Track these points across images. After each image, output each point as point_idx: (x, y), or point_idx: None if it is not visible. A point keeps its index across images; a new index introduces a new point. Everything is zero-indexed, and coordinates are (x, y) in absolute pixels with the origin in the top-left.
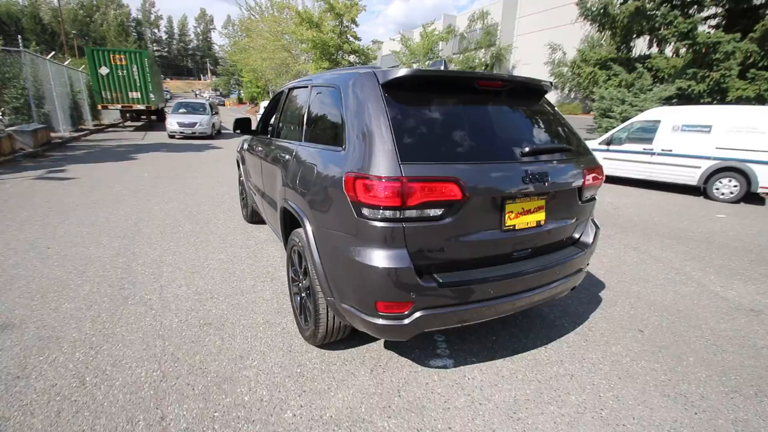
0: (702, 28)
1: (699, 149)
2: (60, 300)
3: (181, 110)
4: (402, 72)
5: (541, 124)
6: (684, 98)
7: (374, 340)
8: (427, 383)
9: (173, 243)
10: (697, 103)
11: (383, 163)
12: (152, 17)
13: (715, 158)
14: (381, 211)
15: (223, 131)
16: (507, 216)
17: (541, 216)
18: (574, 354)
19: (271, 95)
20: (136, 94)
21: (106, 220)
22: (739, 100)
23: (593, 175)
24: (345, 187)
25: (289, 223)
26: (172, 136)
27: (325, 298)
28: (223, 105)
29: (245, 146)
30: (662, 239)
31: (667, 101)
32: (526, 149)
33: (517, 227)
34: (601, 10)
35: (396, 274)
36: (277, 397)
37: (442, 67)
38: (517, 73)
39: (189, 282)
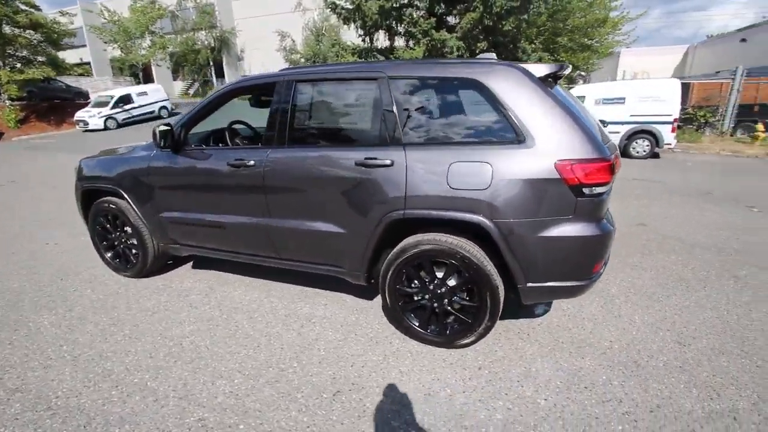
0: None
1: (618, 117)
2: None
3: None
4: (552, 67)
5: None
6: None
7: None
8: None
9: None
10: None
11: (593, 147)
12: None
13: (630, 123)
14: (598, 187)
15: None
16: None
17: None
18: None
19: None
20: None
21: None
22: None
23: None
24: (563, 174)
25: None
26: None
27: (522, 285)
28: None
29: (164, 165)
30: None
31: None
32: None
33: None
34: (355, 5)
35: (610, 236)
36: None
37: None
38: (248, 58)
39: None
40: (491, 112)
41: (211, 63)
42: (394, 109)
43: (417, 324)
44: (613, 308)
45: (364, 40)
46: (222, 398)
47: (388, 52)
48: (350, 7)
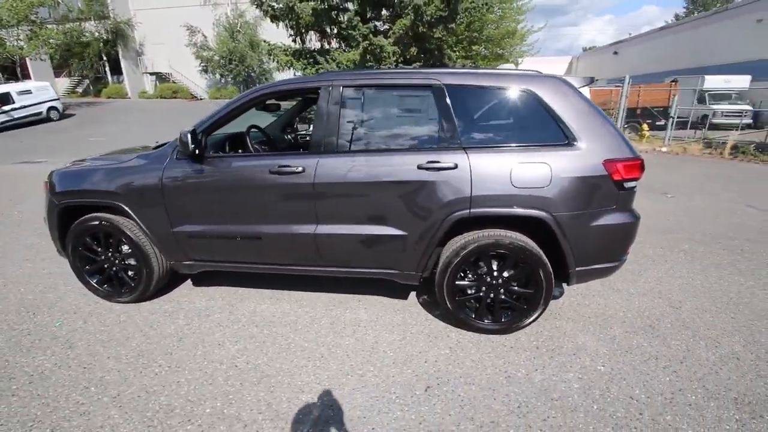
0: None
1: None
2: None
3: None
4: (584, 80)
5: None
6: None
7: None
8: None
9: None
10: None
11: (628, 148)
12: None
13: None
14: (633, 182)
15: None
16: None
17: None
18: None
19: None
20: None
21: None
22: None
23: None
24: (609, 171)
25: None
26: None
27: (573, 269)
28: None
29: (184, 174)
30: None
31: None
32: None
33: None
34: (288, 6)
35: (639, 222)
36: None
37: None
38: (150, 53)
39: None
40: (543, 118)
41: (104, 57)
42: (453, 115)
43: (474, 315)
44: (609, 284)
45: (294, 41)
46: (318, 411)
47: (321, 53)
48: (278, 5)
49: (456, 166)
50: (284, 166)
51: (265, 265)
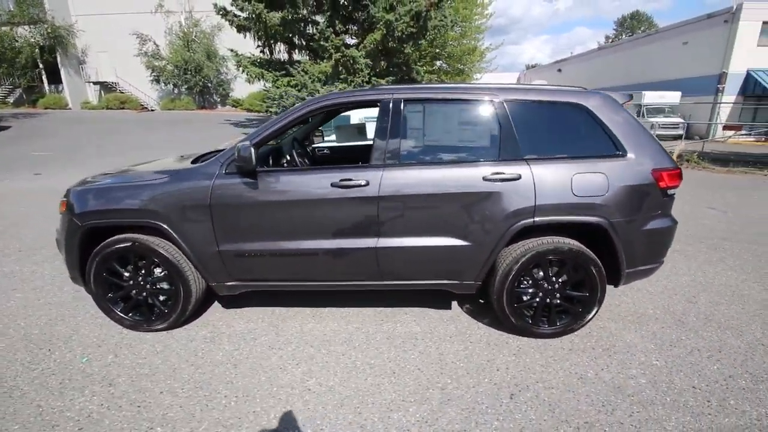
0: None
1: None
2: None
3: None
4: (624, 97)
5: None
6: None
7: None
8: None
9: None
10: None
11: (668, 158)
12: None
13: None
14: (674, 189)
15: None
16: None
17: None
18: None
19: None
20: None
21: None
22: None
23: None
24: (656, 180)
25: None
26: None
27: (624, 271)
28: None
29: (236, 189)
30: None
31: None
32: None
33: None
34: (255, 14)
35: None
36: None
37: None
38: (94, 62)
39: None
40: (595, 131)
41: (40, 65)
42: (513, 128)
43: (531, 321)
44: (630, 285)
45: (263, 51)
46: (417, 429)
47: (292, 64)
48: (243, 14)
49: (520, 177)
50: (346, 179)
51: (319, 282)
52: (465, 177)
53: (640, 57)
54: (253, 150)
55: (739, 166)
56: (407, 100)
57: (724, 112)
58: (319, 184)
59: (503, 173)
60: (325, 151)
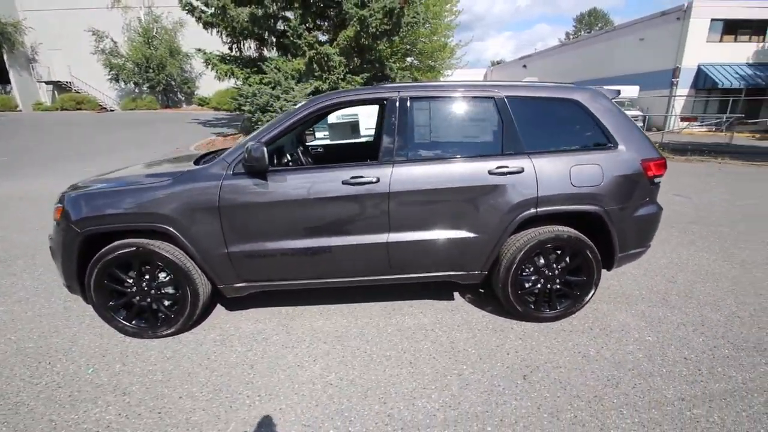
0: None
1: None
2: None
3: None
4: (613, 93)
5: None
6: (317, 94)
7: None
8: None
9: None
10: None
11: (654, 149)
12: None
13: None
14: (660, 178)
15: None
16: None
17: None
18: None
19: None
20: None
21: None
22: None
23: None
24: (644, 169)
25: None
26: None
27: (617, 255)
28: None
29: (246, 189)
30: None
31: (308, 96)
32: None
33: None
34: (221, 9)
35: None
36: None
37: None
38: (44, 58)
39: None
40: (589, 124)
41: None
42: (515, 123)
43: (533, 307)
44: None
45: (231, 48)
46: (442, 414)
47: (263, 61)
48: (210, 10)
49: (523, 170)
50: (357, 177)
51: (329, 279)
52: (471, 171)
53: (600, 53)
54: (265, 150)
55: (696, 155)
56: (413, 98)
57: (678, 105)
58: (330, 182)
59: (507, 166)
60: (319, 149)
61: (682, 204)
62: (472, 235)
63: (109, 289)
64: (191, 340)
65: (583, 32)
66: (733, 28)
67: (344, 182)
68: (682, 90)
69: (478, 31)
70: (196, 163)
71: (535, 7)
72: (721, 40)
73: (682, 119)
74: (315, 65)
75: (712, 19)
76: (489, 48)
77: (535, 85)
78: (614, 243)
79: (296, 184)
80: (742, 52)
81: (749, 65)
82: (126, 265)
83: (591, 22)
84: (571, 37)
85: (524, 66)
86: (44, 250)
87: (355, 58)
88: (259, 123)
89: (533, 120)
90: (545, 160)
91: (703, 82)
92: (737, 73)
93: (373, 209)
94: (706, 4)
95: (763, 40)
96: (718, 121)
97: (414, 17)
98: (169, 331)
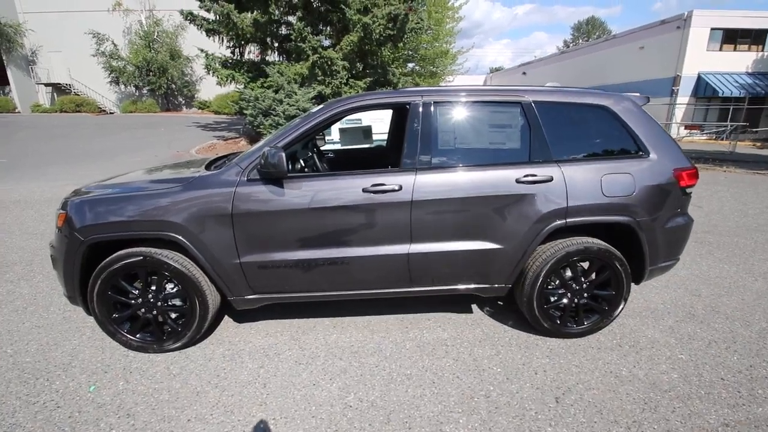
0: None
1: None
2: None
3: None
4: (642, 100)
5: None
6: (320, 98)
7: None
8: None
9: None
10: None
11: (686, 158)
12: None
13: None
14: (691, 188)
15: None
16: None
17: None
18: None
19: None
20: None
21: None
22: None
23: None
24: (677, 179)
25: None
26: None
27: (648, 268)
28: None
29: (261, 196)
30: None
31: (312, 101)
32: None
33: None
34: (225, 16)
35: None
36: None
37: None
38: (44, 60)
39: None
40: (618, 131)
41: None
42: (543, 129)
43: (559, 322)
44: None
45: (233, 52)
46: None
47: (267, 65)
48: (211, 17)
49: (552, 179)
50: (378, 184)
51: (346, 291)
52: (498, 180)
53: (601, 61)
54: (283, 155)
55: (700, 163)
56: (437, 103)
57: (679, 113)
58: (349, 189)
59: (536, 175)
60: (329, 154)
61: (693, 213)
62: (498, 246)
63: (113, 301)
64: (199, 355)
65: (581, 40)
66: (732, 38)
67: (365, 190)
68: (683, 98)
69: (476, 38)
70: (207, 168)
71: (532, 14)
72: (720, 49)
73: (686, 127)
74: (318, 70)
75: (712, 29)
76: (488, 55)
77: (562, 90)
78: (645, 255)
79: (313, 191)
80: (741, 61)
81: (749, 74)
82: (131, 276)
83: (589, 30)
84: (570, 45)
85: (524, 73)
86: (42, 257)
87: (358, 63)
88: (261, 127)
89: (561, 126)
90: (575, 169)
91: (703, 90)
92: (737, 81)
93: (394, 218)
94: (706, 14)
95: (762, 50)
96: (722, 129)
97: (418, 23)
98: (175, 346)
